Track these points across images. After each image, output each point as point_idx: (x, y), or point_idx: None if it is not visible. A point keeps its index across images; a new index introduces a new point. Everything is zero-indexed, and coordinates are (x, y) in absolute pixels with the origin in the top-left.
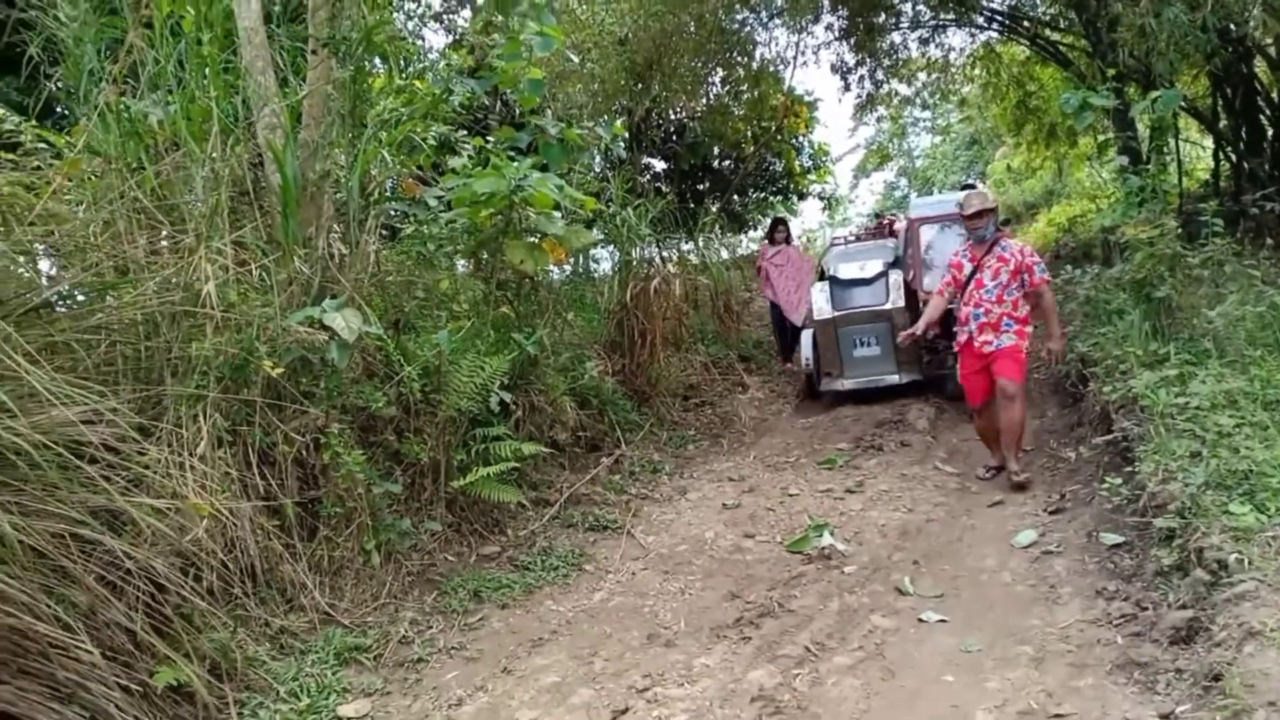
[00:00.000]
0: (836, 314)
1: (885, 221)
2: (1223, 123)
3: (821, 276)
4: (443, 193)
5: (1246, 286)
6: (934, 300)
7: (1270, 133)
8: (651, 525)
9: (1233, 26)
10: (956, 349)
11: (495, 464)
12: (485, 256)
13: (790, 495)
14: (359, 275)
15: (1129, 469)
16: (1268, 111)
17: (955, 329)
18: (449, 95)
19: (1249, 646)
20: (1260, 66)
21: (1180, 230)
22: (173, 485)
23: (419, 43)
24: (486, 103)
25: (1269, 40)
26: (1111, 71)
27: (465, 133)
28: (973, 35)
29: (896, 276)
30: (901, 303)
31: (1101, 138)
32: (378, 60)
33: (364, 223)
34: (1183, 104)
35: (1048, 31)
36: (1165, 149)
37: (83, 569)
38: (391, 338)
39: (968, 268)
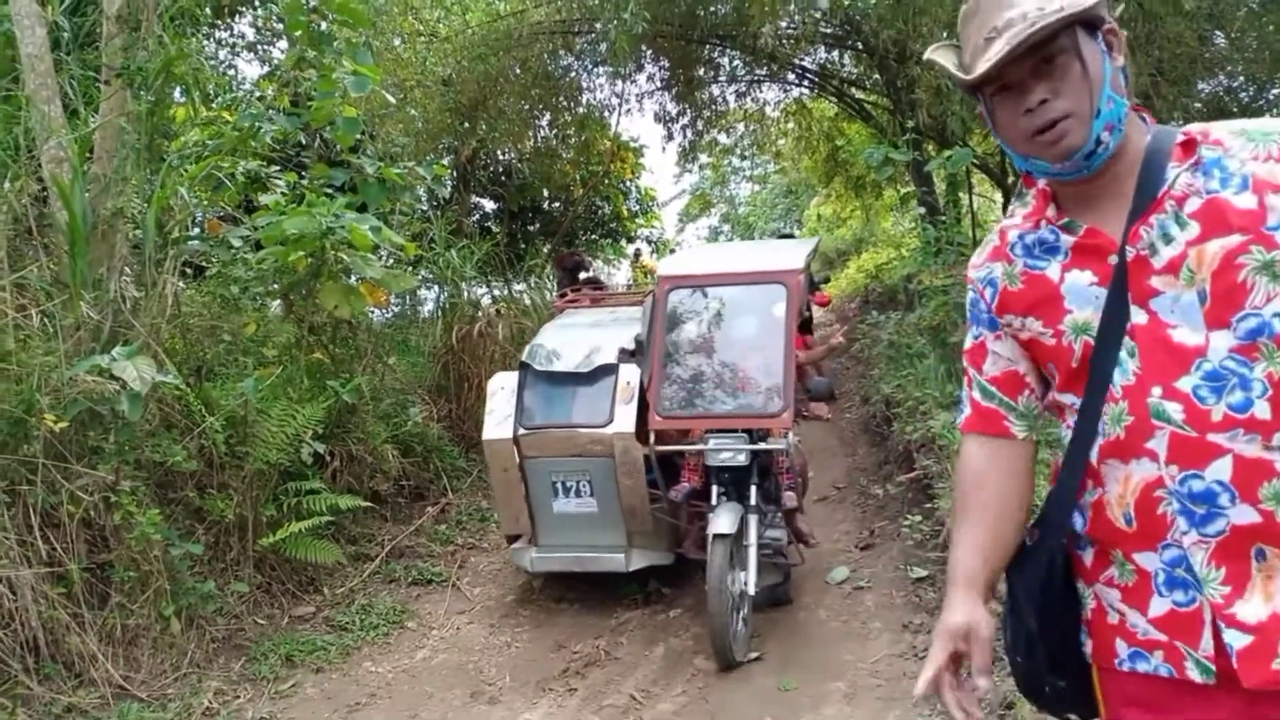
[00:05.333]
0: (522, 433)
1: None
2: (1010, 179)
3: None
4: (249, 232)
5: None
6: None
7: None
8: (479, 576)
9: None
10: (1093, 661)
11: (308, 519)
12: (298, 299)
13: None
14: (155, 319)
15: (930, 505)
16: None
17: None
18: (258, 130)
19: None
20: None
21: None
22: None
23: (231, 73)
24: (303, 139)
25: None
26: (910, 124)
27: (279, 169)
28: (785, 91)
29: (632, 376)
30: (631, 425)
31: (903, 190)
32: (180, 91)
33: (161, 263)
34: (974, 161)
35: (854, 90)
36: (959, 202)
37: None
38: (193, 386)
39: (1083, 300)
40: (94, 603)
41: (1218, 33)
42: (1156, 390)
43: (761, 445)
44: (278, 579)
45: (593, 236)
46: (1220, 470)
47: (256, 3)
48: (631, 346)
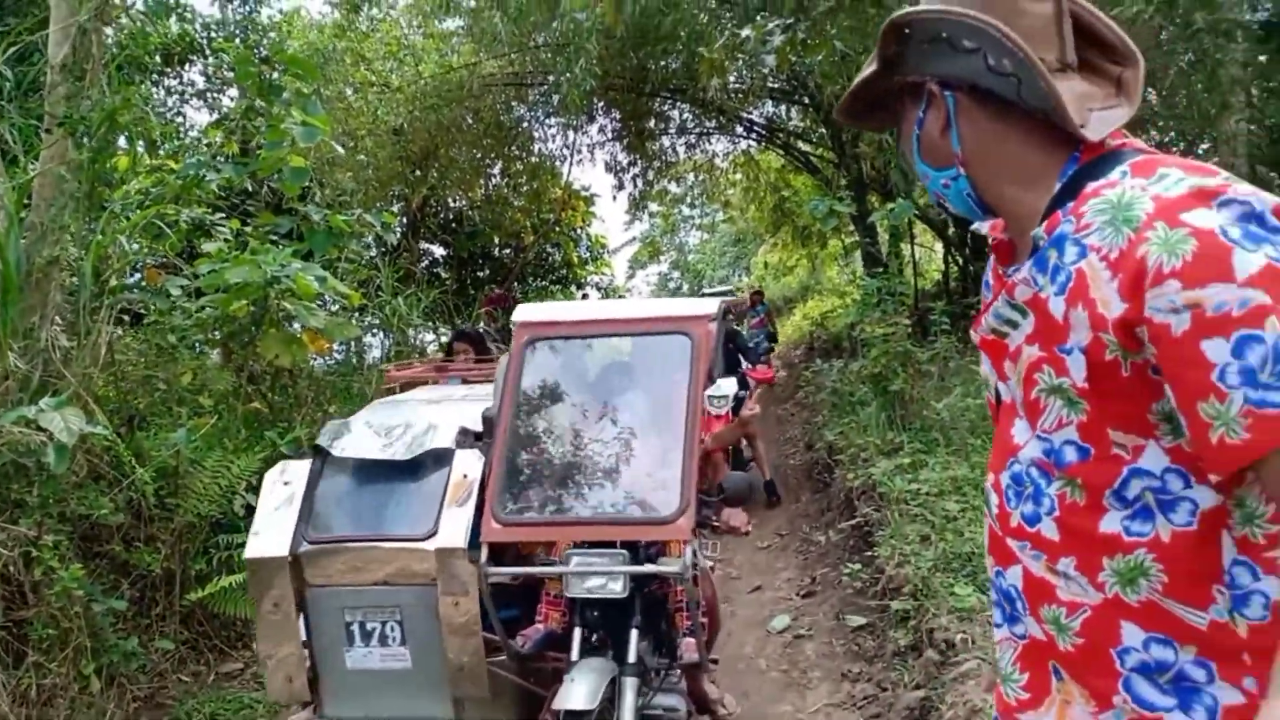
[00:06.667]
0: (306, 549)
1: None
2: (951, 230)
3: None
4: (188, 280)
5: (969, 380)
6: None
7: None
8: None
9: None
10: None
11: (239, 572)
12: (237, 348)
13: None
14: (87, 369)
15: (870, 552)
16: None
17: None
18: (203, 178)
19: None
20: None
21: (913, 328)
22: None
23: (179, 119)
24: (250, 187)
25: None
26: (844, 181)
27: (224, 216)
28: (734, 142)
29: (472, 467)
30: (464, 537)
31: (848, 240)
32: (124, 140)
33: (96, 311)
34: (916, 212)
35: (799, 143)
36: (901, 253)
37: None
38: (124, 437)
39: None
40: (9, 661)
41: (1149, 90)
42: (990, 476)
43: (648, 568)
44: (205, 635)
45: (543, 283)
46: (1015, 577)
47: (207, 51)
48: (478, 427)
